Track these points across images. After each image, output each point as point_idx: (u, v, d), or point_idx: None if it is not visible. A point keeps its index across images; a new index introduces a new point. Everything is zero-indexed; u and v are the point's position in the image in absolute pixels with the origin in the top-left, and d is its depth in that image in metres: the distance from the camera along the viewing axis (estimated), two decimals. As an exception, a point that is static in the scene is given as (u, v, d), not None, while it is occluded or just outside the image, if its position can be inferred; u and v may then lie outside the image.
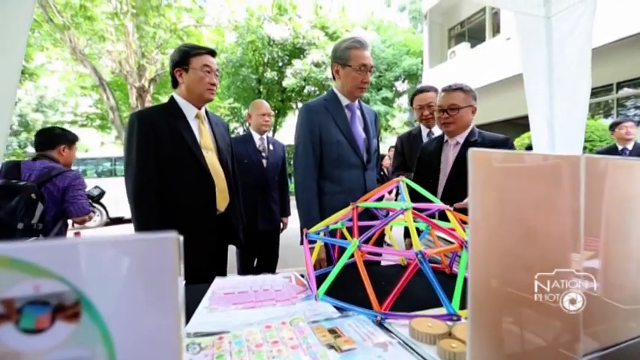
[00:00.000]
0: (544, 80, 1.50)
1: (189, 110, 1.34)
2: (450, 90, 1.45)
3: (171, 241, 0.29)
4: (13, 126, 17.99)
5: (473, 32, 10.68)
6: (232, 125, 16.36)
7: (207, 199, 1.32)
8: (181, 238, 0.29)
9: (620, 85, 7.32)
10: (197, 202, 1.30)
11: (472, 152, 0.41)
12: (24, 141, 18.35)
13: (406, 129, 10.75)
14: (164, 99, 13.82)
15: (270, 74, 13.06)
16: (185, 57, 1.32)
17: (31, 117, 18.16)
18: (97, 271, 0.27)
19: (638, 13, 5.76)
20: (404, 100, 15.10)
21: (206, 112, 1.45)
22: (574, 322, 0.52)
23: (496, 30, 9.58)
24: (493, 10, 9.73)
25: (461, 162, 1.44)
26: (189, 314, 0.68)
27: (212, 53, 1.37)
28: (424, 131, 1.92)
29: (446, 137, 1.55)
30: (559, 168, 0.48)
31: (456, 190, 1.41)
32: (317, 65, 12.03)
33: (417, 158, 1.82)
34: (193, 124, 1.34)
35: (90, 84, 11.43)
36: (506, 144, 1.42)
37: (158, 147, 1.25)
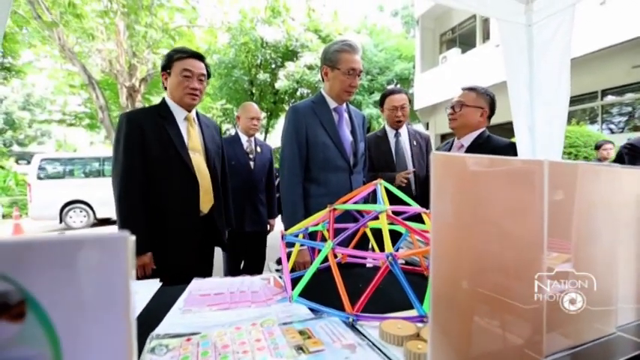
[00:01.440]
0: (525, 87, 1.54)
1: (178, 112, 1.36)
2: (464, 89, 1.49)
3: (121, 240, 0.29)
4: (-2, 124, 17.56)
5: (464, 38, 10.85)
6: (224, 126, 16.24)
7: (191, 199, 1.33)
8: (133, 238, 0.29)
9: (604, 93, 7.50)
10: (180, 203, 1.31)
11: (434, 155, 0.42)
12: (9, 139, 17.93)
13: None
14: (155, 99, 13.72)
15: (262, 76, 13.04)
16: (168, 61, 1.34)
17: (17, 115, 17.76)
18: (44, 270, 0.27)
19: (622, 22, 5.93)
20: (396, 104, 15.18)
21: (197, 114, 1.46)
22: (538, 322, 0.53)
23: (486, 37, 9.76)
24: (483, 17, 9.92)
25: None
26: (163, 315, 0.68)
27: (197, 57, 1.36)
28: (390, 132, 1.93)
29: (454, 140, 1.57)
30: (522, 172, 0.50)
31: None
32: (310, 68, 12.06)
33: (384, 159, 1.85)
34: (182, 126, 1.35)
35: (79, 82, 11.26)
36: (509, 150, 1.44)
37: (145, 148, 1.26)
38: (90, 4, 7.99)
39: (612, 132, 7.48)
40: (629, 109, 7.33)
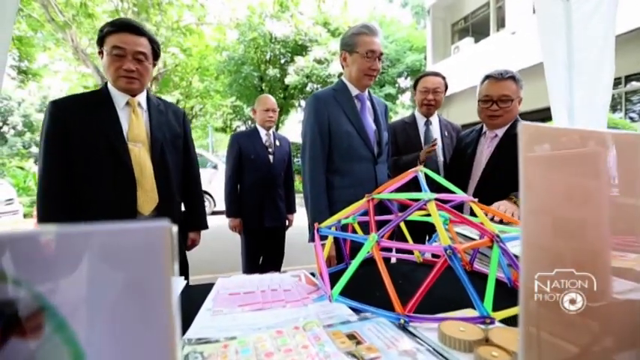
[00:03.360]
0: (564, 67, 1.42)
1: (118, 97, 1.16)
2: (501, 78, 1.30)
3: (161, 231, 0.22)
4: (17, 126, 18.08)
5: (477, 27, 10.54)
6: (235, 124, 16.29)
7: (126, 199, 1.13)
8: (175, 228, 0.23)
9: (628, 79, 7.18)
10: (113, 202, 1.12)
11: (522, 126, 0.34)
12: (28, 141, 18.44)
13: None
14: (166, 98, 13.81)
15: (272, 71, 12.99)
16: (100, 36, 1.12)
17: (34, 117, 18.24)
18: (65, 271, 0.21)
19: (648, 3, 5.62)
20: (407, 97, 14.98)
21: (149, 98, 1.25)
22: (635, 329, 0.45)
23: (501, 24, 9.44)
24: (497, 3, 9.58)
25: (497, 157, 1.33)
26: (190, 318, 0.62)
27: (133, 30, 1.12)
28: (420, 120, 1.81)
29: (484, 129, 1.45)
30: (622, 147, 0.41)
31: (490, 188, 1.30)
32: (319, 62, 11.94)
33: (412, 148, 1.74)
34: (123, 114, 1.16)
35: (92, 84, 11.43)
36: None
37: (69, 141, 1.09)
38: (101, 5, 8.06)
39: (633, 120, 7.16)
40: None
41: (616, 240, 0.42)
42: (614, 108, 7.52)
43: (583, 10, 1.35)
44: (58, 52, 10.45)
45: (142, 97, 1.22)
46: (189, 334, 0.54)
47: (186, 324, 0.59)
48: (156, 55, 1.22)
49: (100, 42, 1.13)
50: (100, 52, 1.14)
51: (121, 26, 1.11)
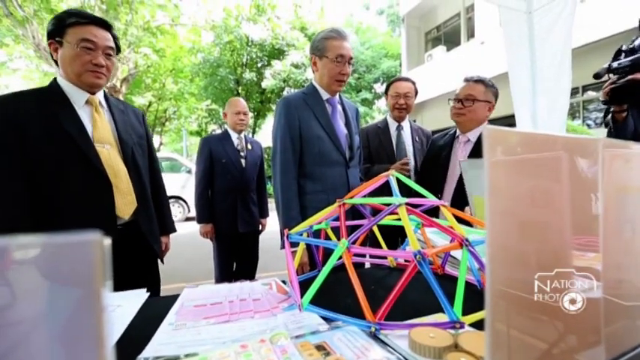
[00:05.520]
0: (527, 76, 1.49)
1: (76, 95, 1.08)
2: (470, 81, 1.41)
3: (90, 246, 0.20)
4: (-31, 128, 16.74)
5: (448, 36, 10.97)
6: (210, 127, 15.95)
7: (104, 204, 1.07)
8: (108, 241, 0.20)
9: (585, 88, 7.71)
10: (89, 210, 1.04)
11: (486, 129, 0.34)
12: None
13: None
14: (137, 99, 13.27)
15: (248, 75, 12.85)
16: (59, 26, 1.04)
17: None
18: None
19: (602, 20, 6.09)
20: (383, 103, 15.30)
21: (107, 97, 1.19)
22: (596, 327, 0.46)
23: (471, 34, 9.88)
24: (467, 14, 10.03)
25: None
26: (152, 333, 0.58)
27: (102, 24, 1.08)
28: (392, 125, 1.84)
29: (457, 133, 1.49)
30: (580, 150, 0.42)
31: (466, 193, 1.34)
32: (296, 67, 11.96)
33: (385, 153, 1.77)
34: (84, 113, 1.08)
35: (57, 83, 10.81)
36: None
37: (26, 148, 0.98)
38: (65, 1, 7.67)
39: (590, 127, 7.70)
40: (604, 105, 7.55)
41: (577, 240, 0.44)
42: (573, 115, 8.03)
43: (543, 23, 1.43)
44: (18, 49, 9.82)
45: (100, 96, 1.16)
46: (147, 352, 0.50)
47: (145, 341, 0.55)
48: (118, 49, 1.18)
49: (59, 33, 1.04)
50: (54, 43, 1.05)
51: (90, 19, 1.06)
